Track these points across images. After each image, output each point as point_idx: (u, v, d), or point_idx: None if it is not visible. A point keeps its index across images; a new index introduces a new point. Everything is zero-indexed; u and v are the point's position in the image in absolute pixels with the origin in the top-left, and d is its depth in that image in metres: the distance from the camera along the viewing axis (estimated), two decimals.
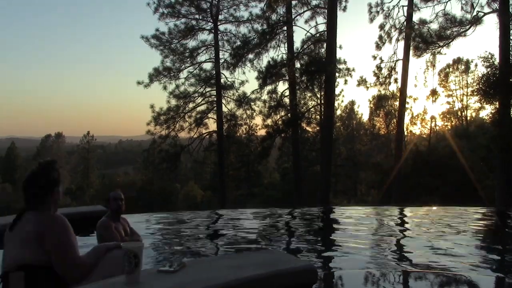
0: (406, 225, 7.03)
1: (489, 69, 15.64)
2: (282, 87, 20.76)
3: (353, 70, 20.02)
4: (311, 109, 21.89)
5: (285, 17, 19.85)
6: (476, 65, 34.18)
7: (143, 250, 2.64)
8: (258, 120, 23.64)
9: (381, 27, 19.28)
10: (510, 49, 14.99)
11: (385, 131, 35.89)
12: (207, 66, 22.69)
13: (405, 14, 18.40)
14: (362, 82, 19.97)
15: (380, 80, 19.83)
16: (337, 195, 32.80)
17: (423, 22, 18.30)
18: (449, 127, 36.94)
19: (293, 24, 20.05)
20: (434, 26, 18.07)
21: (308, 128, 22.98)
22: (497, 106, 15.68)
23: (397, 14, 18.96)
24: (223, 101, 22.42)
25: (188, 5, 21.77)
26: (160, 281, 2.59)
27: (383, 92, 20.27)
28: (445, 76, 37.17)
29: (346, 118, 42.96)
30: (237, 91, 22.23)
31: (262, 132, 22.00)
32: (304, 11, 20.33)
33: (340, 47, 20.74)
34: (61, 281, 2.34)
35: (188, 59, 22.20)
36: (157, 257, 4.65)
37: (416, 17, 18.68)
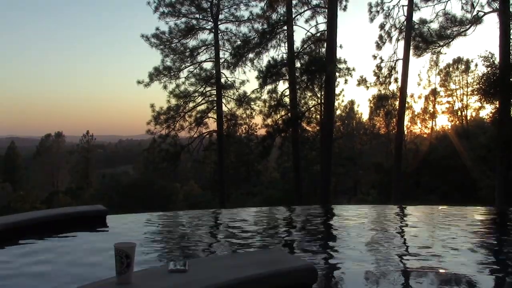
0: (406, 225, 7.03)
1: (489, 68, 15.66)
2: (282, 86, 20.81)
3: (353, 69, 20.06)
4: (311, 109, 21.88)
5: (285, 16, 19.86)
6: (476, 65, 34.22)
7: (135, 250, 2.63)
8: (258, 119, 23.65)
9: (381, 26, 19.30)
10: (510, 48, 15.01)
11: (385, 131, 35.87)
12: (208, 65, 22.73)
13: (405, 14, 18.39)
14: (362, 81, 19.99)
15: (380, 79, 19.85)
16: (337, 194, 32.81)
17: (423, 21, 18.32)
18: (449, 126, 36.95)
19: (293, 24, 20.06)
20: (434, 25, 18.12)
21: (308, 128, 22.97)
22: (497, 105, 15.70)
23: (397, 13, 18.97)
24: (223, 100, 22.44)
25: (189, 4, 21.77)
26: (160, 281, 2.59)
27: (383, 91, 20.29)
28: (445, 75, 37.18)
29: (346, 117, 42.93)
30: (237, 91, 22.26)
31: (262, 132, 22.03)
32: (304, 11, 20.37)
33: (341, 46, 20.75)
34: None
35: (188, 59, 22.20)
36: (156, 257, 4.65)
37: (416, 16, 18.70)
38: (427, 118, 38.89)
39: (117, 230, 5.67)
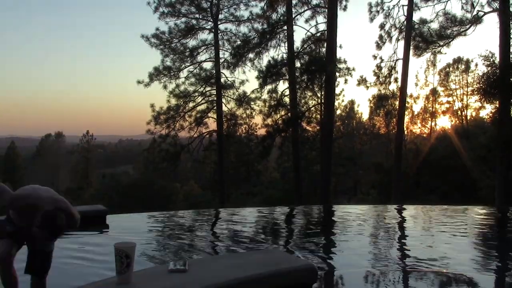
0: (406, 225, 7.03)
1: (489, 68, 15.64)
2: (282, 86, 20.76)
3: (353, 69, 20.00)
4: (312, 109, 21.84)
5: (285, 16, 19.84)
6: (476, 65, 34.13)
7: (135, 250, 2.63)
8: (258, 119, 23.62)
9: (381, 26, 19.26)
10: (510, 48, 15.00)
11: (385, 131, 35.85)
12: (207, 65, 22.68)
13: (405, 14, 18.39)
14: (362, 81, 19.96)
15: (380, 79, 19.81)
16: (337, 194, 32.79)
17: (423, 21, 18.29)
18: (449, 126, 36.92)
19: (293, 24, 20.03)
20: (434, 25, 18.07)
21: (308, 128, 22.92)
22: (497, 105, 15.69)
23: (397, 13, 18.93)
24: (223, 100, 22.41)
25: (189, 4, 21.74)
26: (160, 281, 2.59)
27: (383, 91, 20.25)
28: (445, 75, 37.16)
29: (346, 117, 42.92)
30: (237, 91, 22.20)
31: (262, 132, 22.00)
32: (304, 11, 20.31)
33: (340, 46, 20.70)
34: None
35: (188, 59, 22.17)
36: (157, 257, 4.65)
37: (416, 16, 18.68)
38: (427, 118, 38.84)
39: (117, 230, 5.67)
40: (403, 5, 18.56)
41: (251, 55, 20.50)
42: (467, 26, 16.91)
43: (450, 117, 37.75)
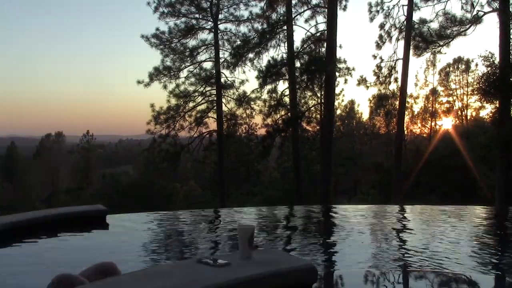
0: (406, 225, 7.03)
1: (489, 68, 15.67)
2: (282, 86, 20.81)
3: (353, 69, 20.07)
4: (311, 108, 21.88)
5: (285, 16, 19.86)
6: (476, 65, 34.15)
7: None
8: (258, 119, 23.67)
9: (381, 26, 19.29)
10: (510, 48, 15.02)
11: (385, 131, 35.86)
12: (207, 65, 22.71)
13: (405, 14, 18.40)
14: (362, 81, 20.00)
15: (380, 79, 19.85)
16: (337, 194, 32.80)
17: (423, 21, 18.33)
18: (450, 126, 36.88)
19: (293, 23, 20.06)
20: (434, 25, 18.12)
21: (308, 127, 22.95)
22: (497, 105, 15.71)
23: (397, 13, 18.96)
24: (223, 100, 22.44)
25: (188, 4, 21.77)
26: (159, 281, 2.59)
27: (383, 91, 20.29)
28: (445, 75, 37.16)
29: (346, 117, 42.90)
30: (237, 90, 22.25)
31: (262, 132, 22.03)
32: (304, 10, 20.35)
33: (340, 46, 20.72)
34: None
35: (188, 58, 22.20)
36: (156, 257, 4.65)
37: (416, 16, 18.71)
38: (427, 118, 38.84)
39: (117, 230, 5.67)
40: (403, 5, 18.61)
41: (251, 55, 20.56)
42: (467, 26, 16.95)
43: (450, 117, 37.75)
